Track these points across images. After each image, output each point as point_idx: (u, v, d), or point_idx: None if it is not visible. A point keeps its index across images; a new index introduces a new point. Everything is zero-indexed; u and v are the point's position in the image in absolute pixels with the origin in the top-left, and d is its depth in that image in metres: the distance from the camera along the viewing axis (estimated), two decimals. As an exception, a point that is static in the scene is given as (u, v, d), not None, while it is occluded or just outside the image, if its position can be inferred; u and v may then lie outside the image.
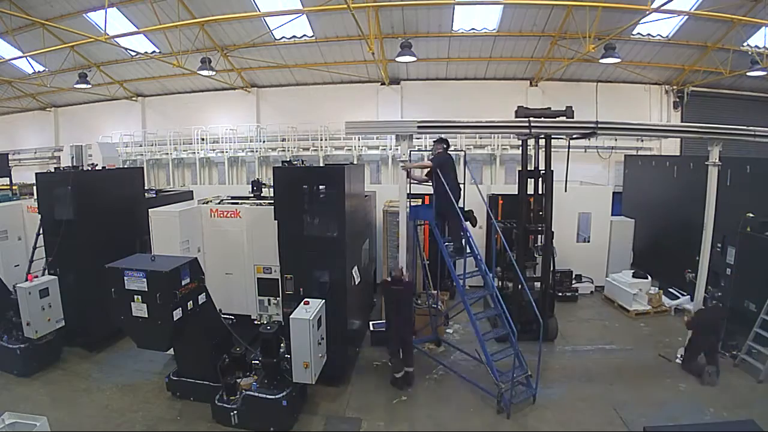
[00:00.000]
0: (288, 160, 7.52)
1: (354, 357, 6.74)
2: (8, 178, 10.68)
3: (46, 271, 6.98)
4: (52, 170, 7.72)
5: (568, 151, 7.35)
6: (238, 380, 5.40)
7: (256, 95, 15.73)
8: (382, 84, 14.61)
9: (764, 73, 12.08)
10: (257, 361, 5.60)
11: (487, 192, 10.40)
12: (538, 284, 7.74)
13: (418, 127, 6.30)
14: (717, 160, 6.43)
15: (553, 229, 7.72)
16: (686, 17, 11.12)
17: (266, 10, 11.50)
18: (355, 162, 13.28)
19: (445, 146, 6.49)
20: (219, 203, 7.52)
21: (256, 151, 15.00)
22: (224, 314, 6.57)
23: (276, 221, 6.12)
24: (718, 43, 12.16)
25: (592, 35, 10.17)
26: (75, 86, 13.96)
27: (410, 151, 6.38)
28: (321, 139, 14.53)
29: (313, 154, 14.44)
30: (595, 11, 9.90)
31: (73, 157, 7.92)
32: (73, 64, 13.85)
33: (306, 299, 5.39)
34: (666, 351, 7.04)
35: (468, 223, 6.63)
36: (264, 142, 15.14)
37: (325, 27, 12.40)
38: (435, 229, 6.25)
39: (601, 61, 11.03)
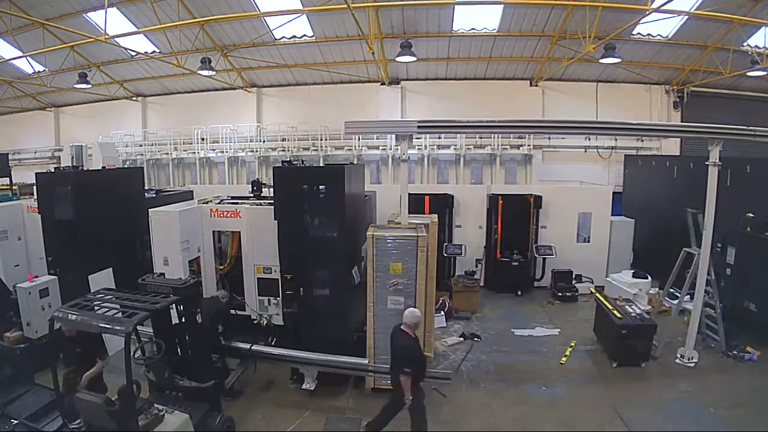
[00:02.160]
0: (288, 160, 7.53)
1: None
2: (8, 178, 10.69)
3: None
4: (52, 170, 7.72)
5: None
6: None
7: (257, 95, 15.73)
8: (382, 84, 14.60)
9: (764, 73, 12.07)
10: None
11: (488, 192, 10.41)
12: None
13: (418, 127, 6.29)
14: (717, 160, 6.43)
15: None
16: (686, 17, 11.11)
17: (266, 10, 11.49)
18: (355, 162, 13.27)
19: None
20: (219, 203, 7.52)
21: (256, 151, 14.99)
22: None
23: (276, 221, 6.13)
24: (718, 43, 12.15)
25: (592, 35, 10.17)
26: (75, 86, 13.96)
27: None
28: (321, 139, 14.52)
29: (313, 154, 14.43)
30: (595, 11, 9.90)
31: (73, 157, 7.92)
32: (73, 64, 13.84)
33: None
34: (666, 350, 7.04)
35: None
36: (264, 142, 15.13)
37: (325, 27, 12.40)
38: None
39: (601, 61, 11.02)
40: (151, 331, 4.73)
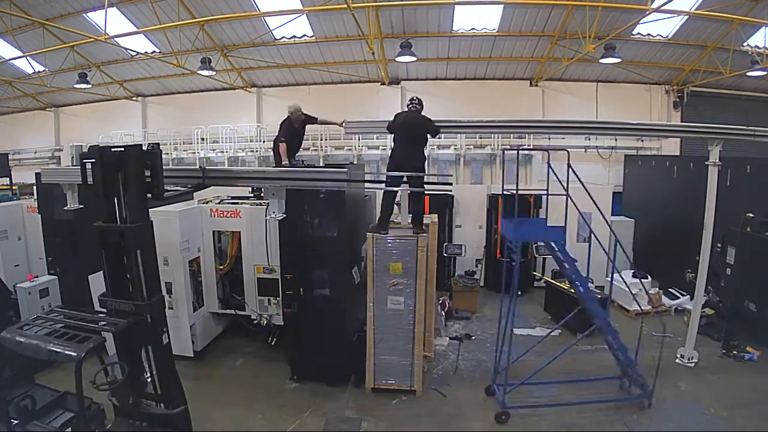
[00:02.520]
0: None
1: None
2: (8, 178, 10.69)
3: None
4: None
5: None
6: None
7: (257, 95, 15.73)
8: (382, 84, 14.60)
9: (764, 73, 12.06)
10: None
11: (488, 192, 10.41)
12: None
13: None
14: (717, 160, 6.43)
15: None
16: (686, 17, 11.10)
17: (266, 10, 11.49)
18: (355, 162, 13.27)
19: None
20: (219, 203, 7.52)
21: (256, 151, 14.99)
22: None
23: (276, 221, 6.13)
24: (718, 43, 12.14)
25: (592, 35, 10.16)
26: (75, 86, 13.95)
27: None
28: (321, 139, 14.52)
29: (313, 154, 14.43)
30: (595, 11, 9.89)
31: (73, 157, 7.91)
32: (73, 64, 13.82)
33: None
34: (666, 351, 7.03)
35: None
36: (264, 142, 15.11)
37: (325, 27, 12.39)
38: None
39: (601, 61, 11.02)
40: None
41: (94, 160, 3.98)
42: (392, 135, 6.14)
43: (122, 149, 4.05)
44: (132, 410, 4.11)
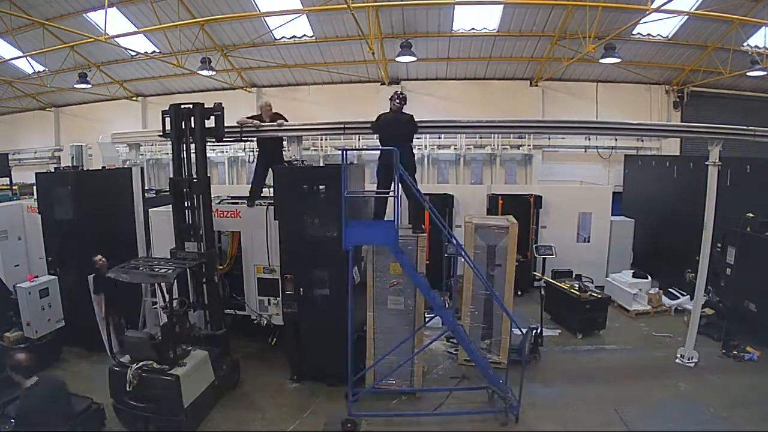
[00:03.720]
0: (288, 159, 7.52)
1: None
2: (8, 178, 10.69)
3: None
4: (52, 170, 7.72)
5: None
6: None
7: (257, 95, 15.72)
8: (382, 84, 14.60)
9: (764, 73, 12.07)
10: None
11: (487, 192, 10.41)
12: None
13: (418, 126, 6.30)
14: (717, 160, 6.43)
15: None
16: (686, 17, 11.11)
17: (266, 10, 11.49)
18: (355, 162, 13.26)
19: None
20: (219, 203, 7.51)
21: (256, 151, 14.95)
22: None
23: (276, 221, 6.15)
24: (718, 43, 12.15)
25: (592, 35, 10.16)
26: (75, 86, 13.95)
27: None
28: (321, 139, 14.52)
29: (313, 154, 14.42)
30: (595, 11, 9.89)
31: (73, 157, 7.91)
32: (73, 64, 13.83)
33: None
34: (666, 351, 7.05)
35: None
36: (264, 142, 15.12)
37: (325, 27, 12.40)
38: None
39: (601, 61, 11.02)
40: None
41: (170, 115, 5.79)
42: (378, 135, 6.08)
43: (190, 106, 5.78)
44: (188, 332, 5.50)
